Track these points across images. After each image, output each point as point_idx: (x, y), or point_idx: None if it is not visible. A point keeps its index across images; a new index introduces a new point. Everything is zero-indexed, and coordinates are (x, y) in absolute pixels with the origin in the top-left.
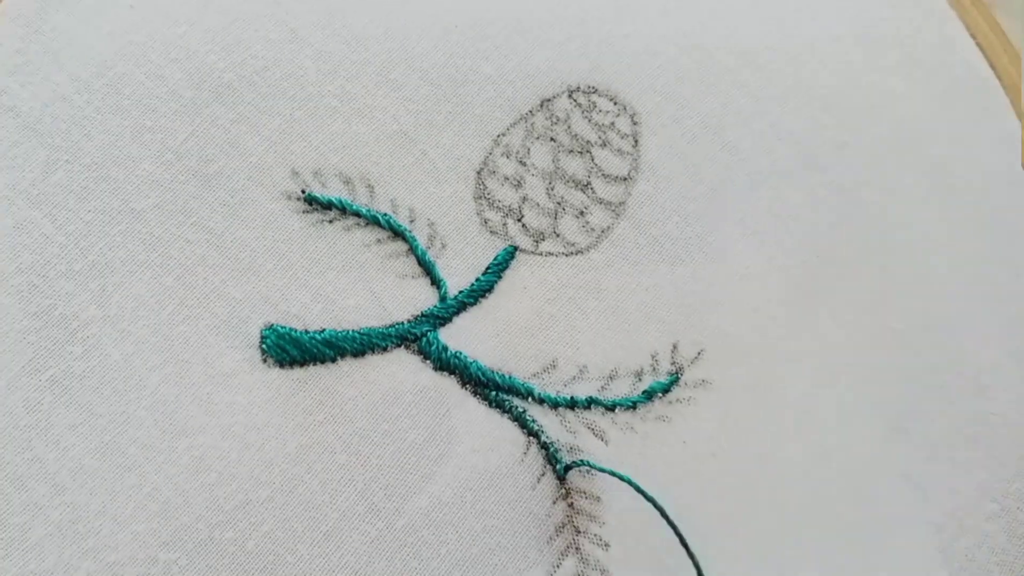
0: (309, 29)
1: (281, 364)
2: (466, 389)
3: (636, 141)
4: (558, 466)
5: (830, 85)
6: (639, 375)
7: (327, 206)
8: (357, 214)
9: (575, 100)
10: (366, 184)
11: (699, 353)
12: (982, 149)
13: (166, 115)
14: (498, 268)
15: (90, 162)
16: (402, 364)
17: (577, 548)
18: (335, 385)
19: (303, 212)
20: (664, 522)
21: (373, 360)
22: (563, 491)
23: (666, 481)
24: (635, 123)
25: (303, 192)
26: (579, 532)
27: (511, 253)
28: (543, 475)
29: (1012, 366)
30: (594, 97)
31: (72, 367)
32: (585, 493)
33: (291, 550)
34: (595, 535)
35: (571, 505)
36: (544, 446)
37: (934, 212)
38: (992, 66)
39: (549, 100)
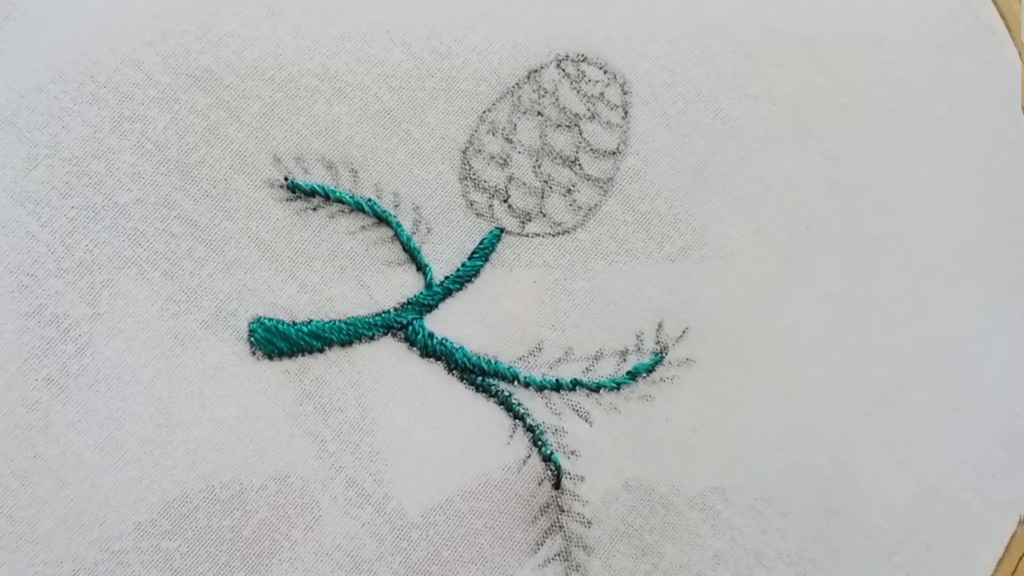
0: (286, 2)
1: (270, 356)
2: (452, 375)
3: (626, 112)
4: (543, 448)
5: (829, 43)
6: (624, 355)
7: (310, 193)
8: (341, 201)
9: (563, 70)
10: (349, 169)
11: (684, 331)
12: (984, 109)
13: (144, 103)
14: (484, 252)
15: (70, 156)
16: (389, 352)
17: (561, 527)
18: (324, 375)
19: (286, 200)
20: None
21: (360, 349)
22: (548, 472)
23: (649, 459)
24: (625, 92)
25: (286, 180)
26: (563, 511)
27: (497, 236)
28: (528, 457)
29: (1000, 335)
30: (583, 66)
31: (67, 365)
32: (569, 473)
33: (286, 535)
34: (578, 514)
35: (556, 485)
36: (530, 429)
37: (930, 177)
38: (1002, 15)
39: (536, 71)
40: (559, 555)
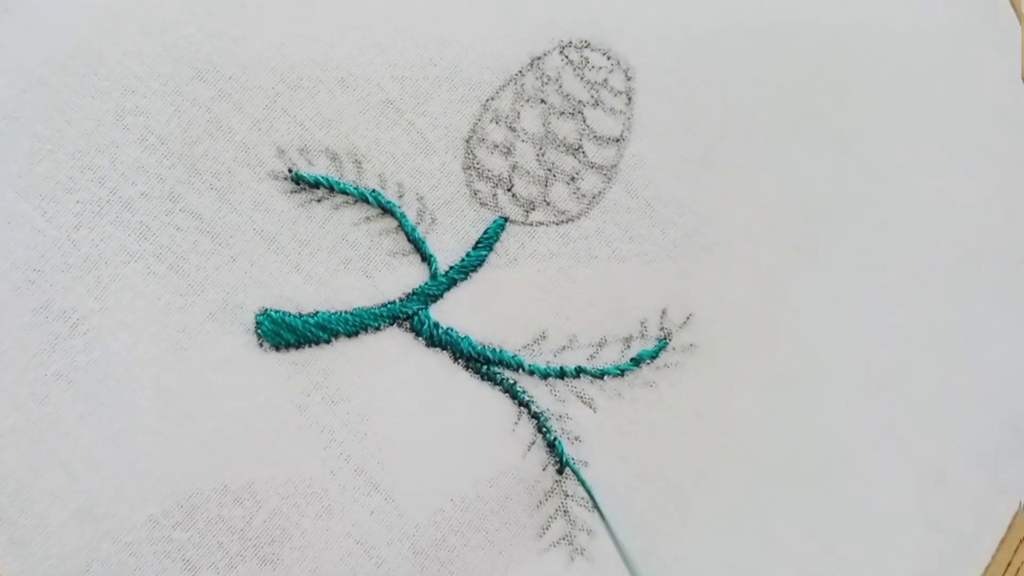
0: None
1: (277, 348)
2: (458, 364)
3: (630, 98)
4: (547, 434)
5: (836, 26)
6: (628, 342)
7: (314, 185)
8: (345, 192)
9: (567, 56)
10: (353, 159)
11: (688, 318)
12: (992, 91)
13: (146, 96)
14: (488, 242)
15: (74, 150)
16: (395, 343)
17: (565, 511)
18: (331, 366)
19: (291, 192)
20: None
21: (367, 339)
22: (552, 458)
23: (651, 443)
24: (629, 78)
25: (290, 171)
26: (567, 496)
27: (501, 225)
28: (533, 443)
29: (1004, 317)
30: (587, 52)
31: (75, 360)
32: (574, 458)
33: (296, 524)
34: (582, 498)
35: (560, 471)
36: (535, 415)
37: (937, 160)
38: None
39: (540, 58)
40: (563, 539)
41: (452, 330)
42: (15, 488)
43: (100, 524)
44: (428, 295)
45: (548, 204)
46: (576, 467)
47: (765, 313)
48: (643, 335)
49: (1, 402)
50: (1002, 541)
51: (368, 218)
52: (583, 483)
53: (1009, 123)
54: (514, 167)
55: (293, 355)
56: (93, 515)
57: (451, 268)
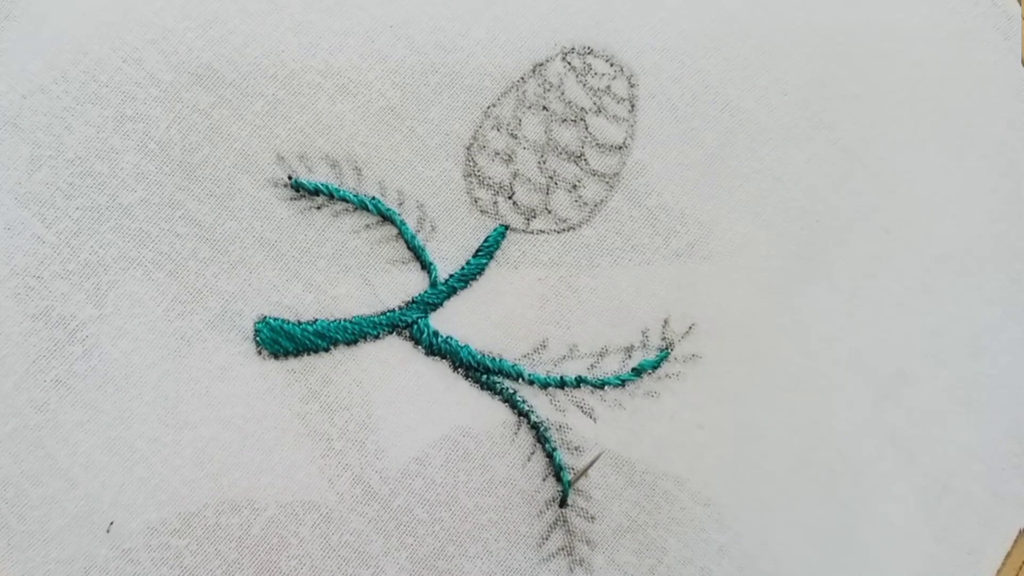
0: None
1: (276, 356)
2: (457, 373)
3: (633, 105)
4: (547, 444)
5: (843, 29)
6: (629, 352)
7: (314, 192)
8: (344, 199)
9: (569, 63)
10: (353, 166)
11: (690, 327)
12: (1000, 97)
13: (146, 102)
14: (489, 250)
15: (74, 156)
16: (394, 351)
17: (565, 521)
18: (330, 374)
19: (291, 199)
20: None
21: (366, 348)
22: (552, 469)
23: (652, 454)
24: (632, 85)
25: (289, 179)
26: (567, 506)
27: (502, 233)
28: (533, 453)
29: (1012, 326)
30: (589, 59)
31: (74, 367)
32: (573, 469)
33: (294, 532)
34: (582, 509)
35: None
36: (534, 425)
37: (944, 167)
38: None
39: (542, 64)
40: (563, 549)
41: (452, 339)
42: (14, 494)
43: (98, 530)
44: (428, 303)
45: (549, 212)
46: None
47: (768, 323)
48: (645, 345)
49: (0, 408)
50: (1008, 556)
51: (368, 225)
52: None
53: (1016, 130)
54: (515, 174)
55: (292, 363)
56: (91, 521)
57: (451, 276)
